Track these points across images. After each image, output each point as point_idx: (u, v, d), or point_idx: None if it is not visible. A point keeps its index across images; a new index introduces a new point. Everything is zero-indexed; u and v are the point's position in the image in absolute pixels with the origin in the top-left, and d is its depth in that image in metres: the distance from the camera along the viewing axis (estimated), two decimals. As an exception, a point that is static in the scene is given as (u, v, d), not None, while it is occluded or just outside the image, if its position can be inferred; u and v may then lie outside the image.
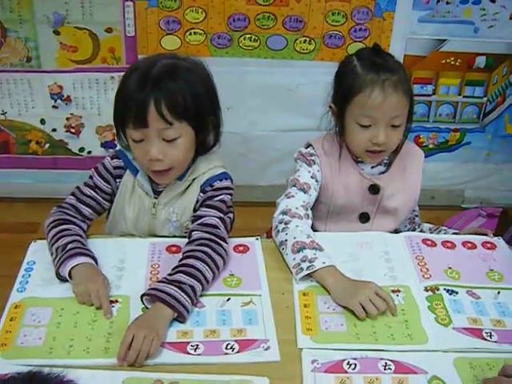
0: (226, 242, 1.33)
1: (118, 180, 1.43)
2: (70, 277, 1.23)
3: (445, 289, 1.28)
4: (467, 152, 2.73)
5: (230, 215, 1.43)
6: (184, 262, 1.25)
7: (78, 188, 1.44)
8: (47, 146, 2.63)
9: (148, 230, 1.45)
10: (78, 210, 1.41)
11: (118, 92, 1.33)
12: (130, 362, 1.06)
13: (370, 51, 1.45)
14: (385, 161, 1.53)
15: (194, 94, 1.30)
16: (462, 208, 2.83)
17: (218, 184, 1.41)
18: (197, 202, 1.42)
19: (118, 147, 1.45)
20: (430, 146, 2.69)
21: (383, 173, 1.53)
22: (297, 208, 1.42)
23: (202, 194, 1.41)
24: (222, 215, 1.37)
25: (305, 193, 1.46)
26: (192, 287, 1.19)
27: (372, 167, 1.52)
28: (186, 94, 1.28)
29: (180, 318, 1.16)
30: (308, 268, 1.26)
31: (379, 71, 1.37)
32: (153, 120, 1.26)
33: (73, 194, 1.43)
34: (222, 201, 1.40)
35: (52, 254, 1.30)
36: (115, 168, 1.42)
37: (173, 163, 1.33)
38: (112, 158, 1.43)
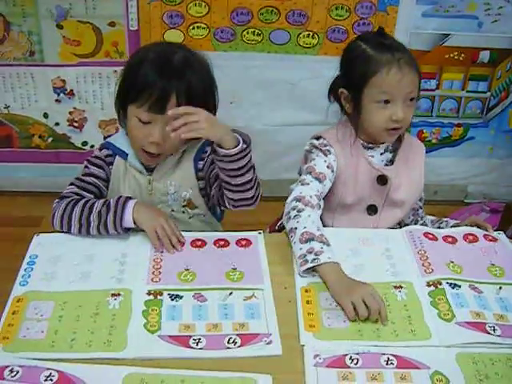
0: None
1: (110, 167, 1.49)
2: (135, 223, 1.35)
3: (447, 282, 1.28)
4: (470, 147, 2.73)
5: None
6: None
7: (76, 179, 1.48)
8: (50, 139, 2.63)
9: None
10: (82, 195, 1.44)
11: (130, 72, 1.38)
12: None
13: (375, 34, 1.50)
14: (390, 148, 1.56)
15: (204, 87, 1.39)
16: (465, 203, 2.82)
17: (208, 149, 1.45)
18: (199, 170, 1.48)
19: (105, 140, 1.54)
20: (433, 141, 2.69)
21: (390, 162, 1.55)
22: (311, 196, 1.40)
23: (200, 162, 1.48)
24: None
25: (320, 182, 1.46)
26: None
27: (381, 154, 1.54)
28: (200, 87, 1.37)
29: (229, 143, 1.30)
30: (313, 261, 1.26)
31: (393, 51, 1.41)
32: (170, 109, 1.31)
33: (72, 184, 1.47)
34: None
35: (91, 223, 1.35)
36: (106, 156, 1.49)
37: (168, 148, 1.41)
38: (100, 150, 1.50)
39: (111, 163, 1.49)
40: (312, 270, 1.27)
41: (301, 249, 1.30)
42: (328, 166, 1.49)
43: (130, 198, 1.39)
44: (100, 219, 1.35)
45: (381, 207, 1.55)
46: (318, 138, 1.55)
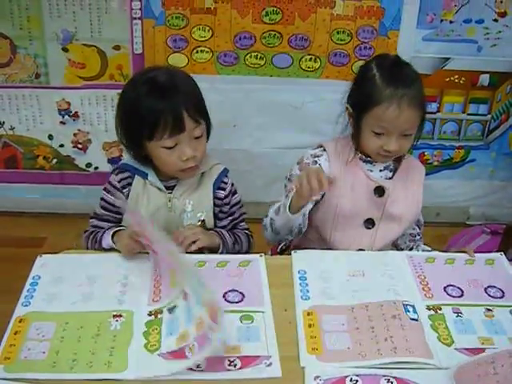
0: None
1: (125, 189, 1.53)
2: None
3: (447, 309, 1.28)
4: (472, 169, 2.73)
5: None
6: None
7: (94, 213, 1.57)
8: (54, 161, 2.65)
9: (164, 224, 1.51)
10: (100, 227, 1.53)
11: (131, 112, 1.42)
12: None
13: (390, 63, 1.49)
14: (391, 167, 1.58)
15: (198, 95, 1.47)
16: (467, 225, 2.82)
17: (227, 180, 1.58)
18: (218, 198, 1.57)
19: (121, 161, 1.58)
20: (435, 164, 2.70)
21: (389, 179, 1.57)
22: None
23: (221, 191, 1.57)
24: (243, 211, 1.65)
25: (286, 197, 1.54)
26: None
27: (380, 170, 1.56)
28: (198, 94, 1.46)
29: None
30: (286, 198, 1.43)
31: (398, 86, 1.41)
32: (188, 123, 1.40)
33: (92, 218, 1.57)
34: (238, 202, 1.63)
35: (96, 244, 1.49)
36: (120, 181, 1.53)
37: (200, 158, 1.47)
38: (116, 174, 1.54)
39: (129, 184, 1.52)
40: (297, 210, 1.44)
41: (277, 213, 1.50)
42: None
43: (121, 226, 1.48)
44: (95, 242, 1.49)
45: (378, 220, 1.56)
46: (318, 147, 1.60)
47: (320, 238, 1.60)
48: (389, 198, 1.54)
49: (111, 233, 1.45)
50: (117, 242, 1.43)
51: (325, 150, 1.57)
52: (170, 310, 1.21)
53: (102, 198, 1.55)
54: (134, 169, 1.52)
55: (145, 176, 1.51)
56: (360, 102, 1.48)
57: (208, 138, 1.52)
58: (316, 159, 1.56)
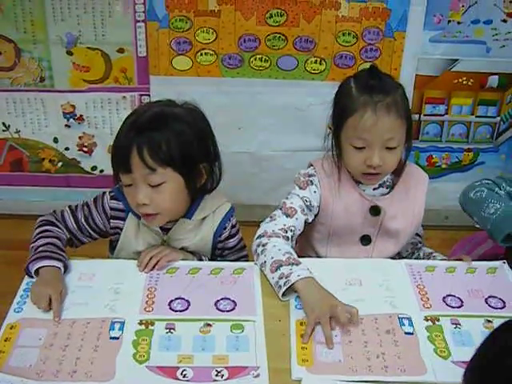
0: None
1: (112, 221, 1.46)
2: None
3: (445, 320, 1.25)
4: (481, 172, 2.68)
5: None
6: None
7: (76, 206, 1.48)
8: (60, 164, 2.65)
9: None
10: (65, 222, 1.46)
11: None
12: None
13: (367, 73, 1.43)
14: (387, 183, 1.51)
15: (181, 142, 1.33)
16: (476, 228, 2.78)
17: (228, 224, 1.49)
18: (218, 242, 1.50)
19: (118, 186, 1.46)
20: (443, 166, 2.66)
21: (385, 195, 1.51)
22: (273, 231, 1.42)
23: (219, 238, 1.49)
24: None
25: (287, 216, 1.45)
26: None
27: (374, 189, 1.50)
28: (171, 141, 1.32)
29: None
30: (285, 284, 1.26)
31: (372, 93, 1.36)
32: (136, 166, 1.30)
33: (69, 208, 1.48)
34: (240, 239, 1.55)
35: (30, 250, 1.38)
36: (112, 209, 1.46)
37: (159, 208, 1.36)
38: (112, 198, 1.46)
39: (114, 217, 1.45)
40: (293, 291, 1.27)
41: (273, 278, 1.31)
42: (304, 200, 1.48)
43: (55, 258, 1.34)
44: (30, 254, 1.37)
45: (374, 237, 1.52)
46: (309, 166, 1.54)
47: (317, 255, 1.56)
48: (385, 215, 1.48)
49: (35, 269, 1.32)
50: (35, 283, 1.30)
51: (315, 169, 1.52)
52: (163, 328, 1.19)
53: (88, 206, 1.46)
54: (129, 207, 1.42)
55: (138, 217, 1.43)
56: (336, 117, 1.44)
57: (205, 190, 1.43)
58: (311, 178, 1.50)
